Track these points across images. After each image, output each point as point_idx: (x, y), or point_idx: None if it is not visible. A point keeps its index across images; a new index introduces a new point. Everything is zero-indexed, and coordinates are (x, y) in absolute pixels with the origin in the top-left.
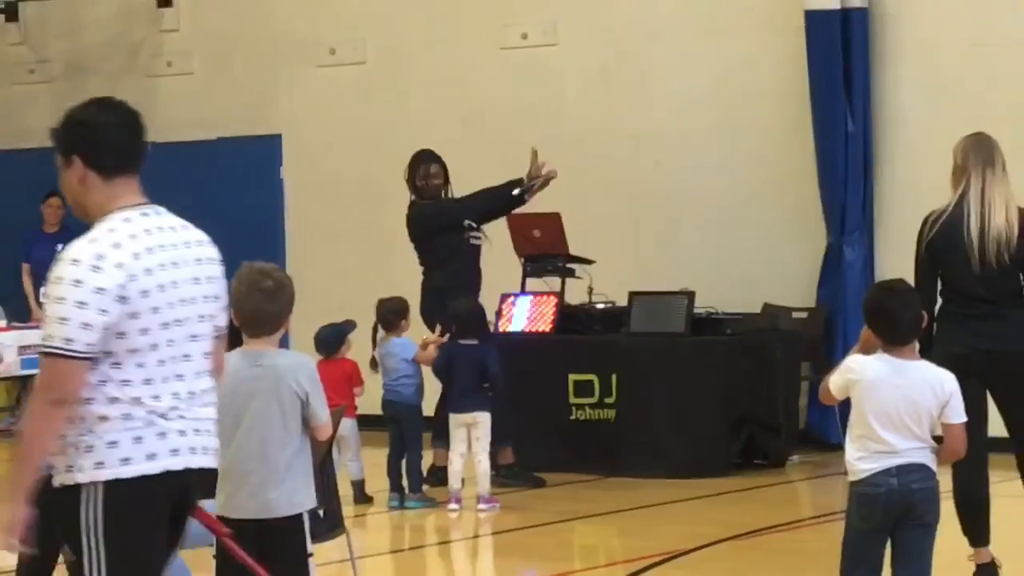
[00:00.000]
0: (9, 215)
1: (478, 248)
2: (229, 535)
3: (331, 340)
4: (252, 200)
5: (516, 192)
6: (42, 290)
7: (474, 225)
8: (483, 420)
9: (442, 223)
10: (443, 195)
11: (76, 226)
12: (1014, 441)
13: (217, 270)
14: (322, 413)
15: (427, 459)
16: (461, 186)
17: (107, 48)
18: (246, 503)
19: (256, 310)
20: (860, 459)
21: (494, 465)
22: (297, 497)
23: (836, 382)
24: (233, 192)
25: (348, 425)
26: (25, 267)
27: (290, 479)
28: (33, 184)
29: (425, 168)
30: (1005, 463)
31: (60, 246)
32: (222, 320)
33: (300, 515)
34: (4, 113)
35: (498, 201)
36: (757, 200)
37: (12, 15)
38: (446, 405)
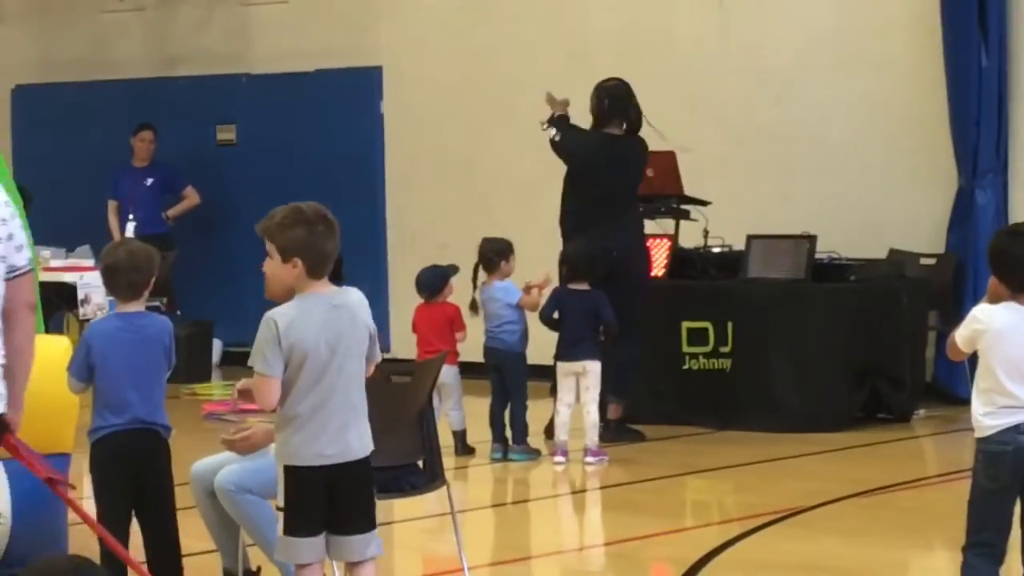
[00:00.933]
0: (96, 150)
1: None
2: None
3: (434, 282)
4: (350, 136)
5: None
6: (128, 226)
7: None
8: (592, 369)
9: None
10: None
11: (167, 161)
12: None
13: None
14: (378, 350)
15: (536, 410)
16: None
17: None
18: (325, 448)
19: (333, 250)
20: (987, 415)
21: (602, 418)
22: (367, 438)
23: (962, 334)
24: (330, 127)
25: (450, 372)
26: (111, 204)
27: (365, 419)
28: (122, 117)
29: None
30: None
31: (150, 180)
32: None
33: (369, 457)
34: (93, 43)
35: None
36: (883, 139)
37: None
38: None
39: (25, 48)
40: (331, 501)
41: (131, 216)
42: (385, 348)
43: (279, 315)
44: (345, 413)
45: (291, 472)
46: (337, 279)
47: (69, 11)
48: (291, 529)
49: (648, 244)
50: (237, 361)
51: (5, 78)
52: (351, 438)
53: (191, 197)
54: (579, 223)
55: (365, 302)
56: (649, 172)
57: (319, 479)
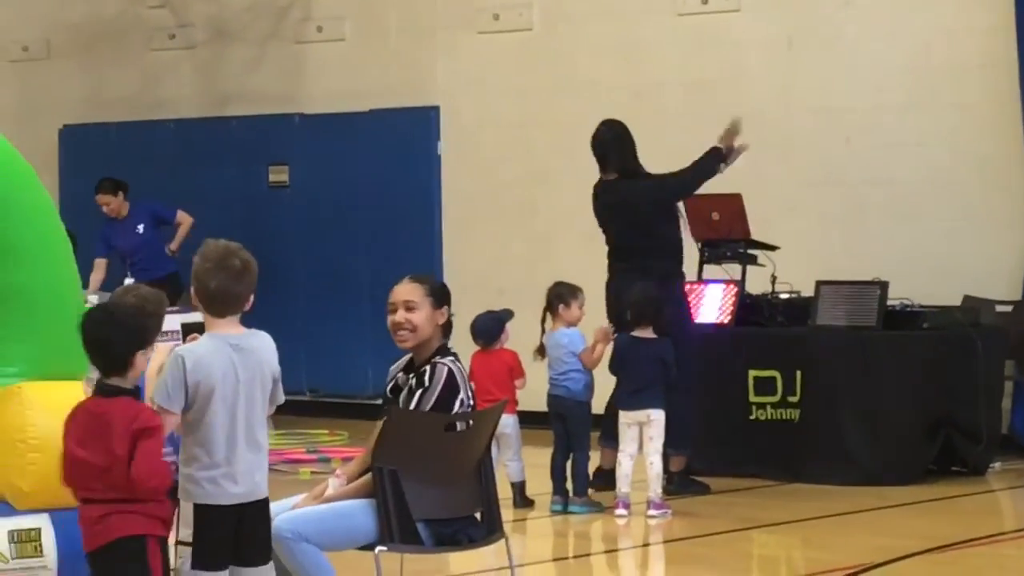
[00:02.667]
0: (146, 191)
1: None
2: None
3: (491, 328)
4: (406, 177)
5: (721, 166)
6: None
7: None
8: (657, 418)
9: (675, 198)
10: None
11: (143, 200)
12: None
13: None
14: (282, 393)
15: (593, 460)
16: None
17: (253, 12)
18: (233, 487)
19: (223, 289)
20: None
21: (665, 470)
22: (266, 476)
23: None
24: (386, 169)
25: (509, 422)
26: (99, 262)
27: (266, 460)
28: (172, 158)
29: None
30: None
31: (140, 227)
32: None
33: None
34: (142, 81)
35: (705, 175)
36: (957, 183)
37: None
38: (616, 401)
39: (73, 87)
40: (237, 536)
41: (128, 273)
42: None
43: (187, 352)
44: (252, 452)
45: (202, 510)
46: None
47: (118, 49)
48: (201, 564)
49: (684, 288)
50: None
51: (53, 118)
52: (258, 477)
53: (184, 221)
54: (609, 272)
55: (272, 346)
56: (715, 215)
57: (229, 516)
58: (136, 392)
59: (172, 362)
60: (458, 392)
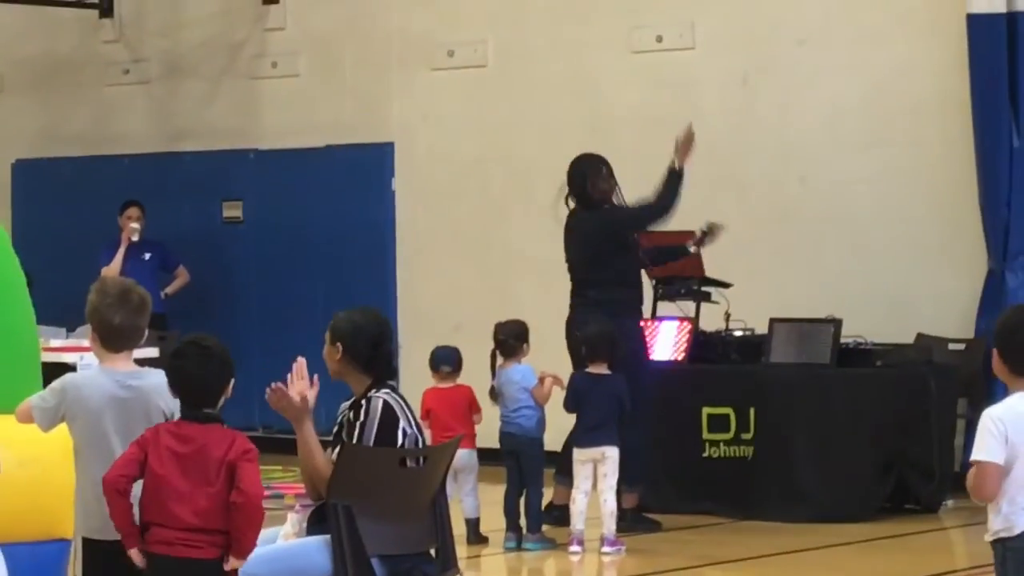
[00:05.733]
0: (99, 226)
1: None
2: None
3: (455, 358)
4: (361, 213)
5: (692, 249)
6: None
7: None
8: (612, 455)
9: (625, 234)
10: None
11: (160, 239)
12: None
13: None
14: None
15: (547, 495)
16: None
17: (207, 47)
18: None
19: (124, 324)
20: (1013, 512)
21: (617, 507)
22: None
23: (990, 450)
24: (340, 204)
25: (466, 456)
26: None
27: None
28: (126, 193)
29: (607, 169)
30: None
31: (148, 255)
32: None
33: None
34: (96, 117)
35: (665, 208)
36: (911, 221)
37: (107, 10)
38: (572, 439)
39: (27, 121)
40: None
41: None
42: None
43: (76, 378)
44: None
45: (87, 544)
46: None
47: (72, 84)
48: None
49: (637, 323)
50: None
51: (6, 152)
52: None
53: (183, 275)
54: (569, 306)
55: (164, 386)
56: None
57: (114, 552)
58: (219, 418)
59: (59, 379)
60: (397, 422)
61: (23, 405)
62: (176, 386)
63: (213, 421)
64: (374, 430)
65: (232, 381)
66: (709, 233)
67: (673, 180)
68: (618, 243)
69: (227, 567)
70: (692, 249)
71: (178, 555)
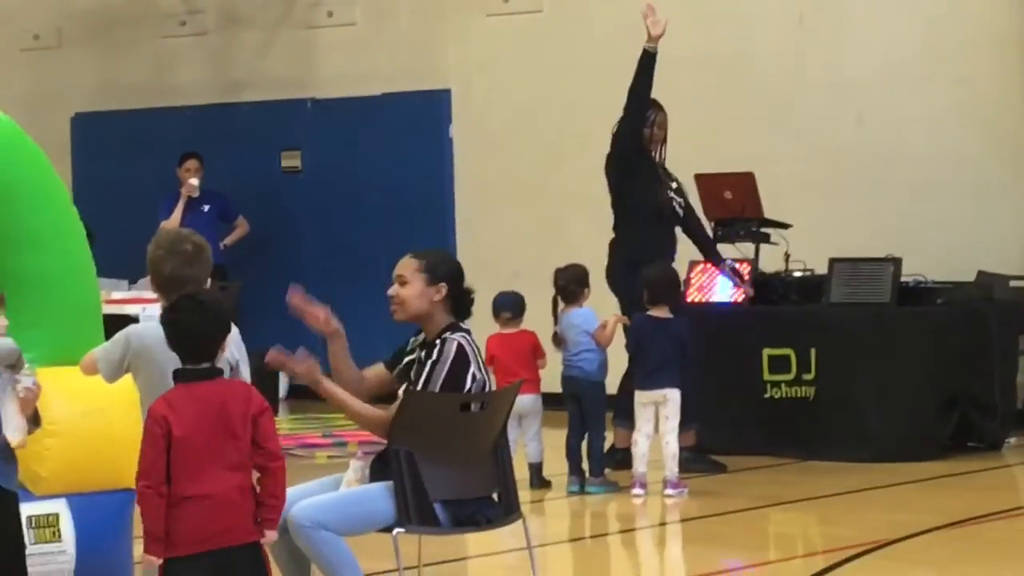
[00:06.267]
0: (158, 178)
1: (678, 217)
2: None
3: (517, 303)
4: (418, 161)
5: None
6: None
7: (675, 188)
8: (673, 398)
9: (629, 143)
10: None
11: (219, 189)
12: None
13: None
14: (248, 379)
15: (607, 440)
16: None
17: None
18: None
19: (175, 274)
20: None
21: None
22: None
23: None
24: (398, 152)
25: (530, 401)
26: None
27: None
28: (184, 145)
29: (655, 116)
30: None
31: (207, 207)
32: None
33: None
34: (154, 69)
35: (644, 83)
36: (969, 158)
37: None
38: (631, 381)
39: (85, 75)
40: None
41: None
42: None
43: (140, 328)
44: None
45: None
46: None
47: (129, 37)
48: None
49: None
50: (304, 394)
51: (65, 106)
52: None
53: (243, 226)
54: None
55: (233, 335)
56: (727, 194)
57: None
58: (222, 372)
59: (119, 337)
60: (469, 366)
61: (87, 357)
62: (172, 340)
63: (218, 375)
64: (444, 372)
65: (228, 335)
66: (734, 274)
67: (644, 63)
68: (627, 167)
69: (265, 541)
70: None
71: (207, 548)
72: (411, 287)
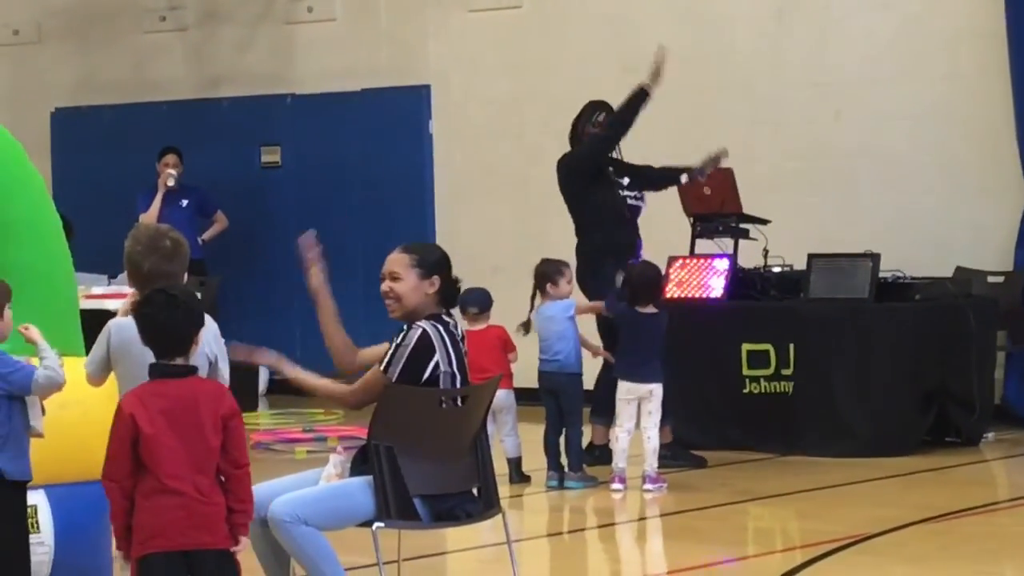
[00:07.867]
0: (138, 173)
1: (637, 210)
2: None
3: (485, 299)
4: (398, 156)
5: (683, 178)
6: None
7: (626, 184)
8: (658, 393)
9: (589, 164)
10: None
11: (197, 184)
12: None
13: None
14: (227, 375)
15: (585, 435)
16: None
17: None
18: None
19: (153, 270)
20: None
21: None
22: None
23: None
24: (378, 147)
25: (503, 396)
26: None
27: None
28: (164, 140)
29: (607, 115)
30: None
31: (185, 202)
32: None
33: None
34: (134, 64)
35: (621, 128)
36: (948, 154)
37: None
38: (615, 374)
39: (64, 70)
40: None
41: None
42: None
43: (120, 322)
44: None
45: None
46: None
47: (109, 32)
48: None
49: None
50: (283, 390)
51: (44, 101)
52: None
53: (221, 220)
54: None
55: (212, 329)
56: (707, 190)
57: None
58: (196, 370)
59: (102, 334)
60: (432, 353)
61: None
62: (145, 334)
63: (191, 373)
64: (404, 357)
65: (201, 330)
66: (711, 161)
67: (637, 98)
68: (584, 179)
69: (237, 548)
70: (683, 180)
71: (181, 546)
72: (405, 282)
